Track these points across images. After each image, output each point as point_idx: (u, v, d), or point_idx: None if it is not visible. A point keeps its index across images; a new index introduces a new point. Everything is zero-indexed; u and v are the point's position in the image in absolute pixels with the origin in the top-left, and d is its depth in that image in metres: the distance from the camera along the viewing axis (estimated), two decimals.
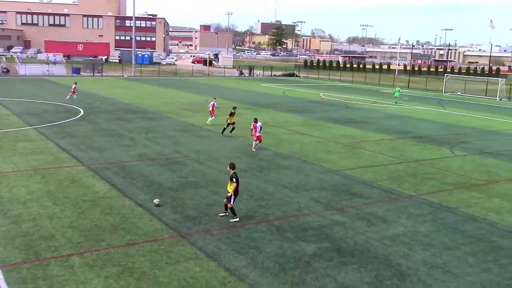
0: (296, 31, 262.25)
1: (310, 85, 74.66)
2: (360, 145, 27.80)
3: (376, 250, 13.49)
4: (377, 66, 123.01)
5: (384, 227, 15.27)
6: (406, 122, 38.11)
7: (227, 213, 15.43)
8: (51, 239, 13.30)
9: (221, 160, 23.01)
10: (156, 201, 16.44)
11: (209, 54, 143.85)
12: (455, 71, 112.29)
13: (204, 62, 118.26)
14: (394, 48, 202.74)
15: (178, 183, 19.08)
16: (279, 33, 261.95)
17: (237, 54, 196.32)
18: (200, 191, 18.14)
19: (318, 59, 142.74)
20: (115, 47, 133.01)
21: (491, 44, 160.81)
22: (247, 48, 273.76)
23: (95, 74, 77.46)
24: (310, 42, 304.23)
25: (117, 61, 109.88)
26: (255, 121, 26.04)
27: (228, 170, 15.65)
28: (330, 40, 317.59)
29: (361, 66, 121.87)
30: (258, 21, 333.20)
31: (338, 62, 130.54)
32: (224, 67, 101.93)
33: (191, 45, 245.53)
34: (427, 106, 50.83)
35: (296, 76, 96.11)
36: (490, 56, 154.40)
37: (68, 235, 13.58)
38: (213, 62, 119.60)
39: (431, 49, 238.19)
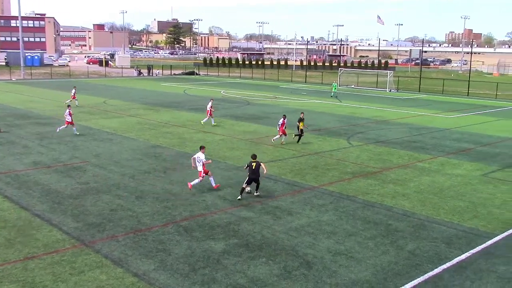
0: (193, 29, 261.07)
1: (211, 82, 74.75)
2: (263, 141, 28.30)
3: (283, 242, 13.83)
4: (275, 62, 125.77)
5: (289, 219, 15.69)
6: (306, 115, 39.24)
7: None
8: None
9: (123, 163, 22.38)
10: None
11: (104, 54, 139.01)
12: (348, 65, 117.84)
13: (100, 62, 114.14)
14: (290, 44, 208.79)
15: (78, 190, 18.28)
16: (176, 32, 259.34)
17: (135, 54, 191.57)
18: (102, 196, 17.51)
19: (218, 56, 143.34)
20: (1, 49, 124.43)
21: (379, 39, 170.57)
22: (145, 47, 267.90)
23: None
24: (208, 40, 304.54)
25: (4, 63, 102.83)
26: (284, 117, 27.30)
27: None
28: (228, 37, 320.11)
29: (259, 62, 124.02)
30: (154, 19, 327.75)
31: (237, 59, 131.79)
32: (122, 67, 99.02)
33: (85, 45, 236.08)
34: (324, 99, 52.84)
35: (196, 74, 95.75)
36: (379, 50, 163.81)
37: None
38: (109, 62, 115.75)
39: (325, 44, 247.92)
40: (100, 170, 21.17)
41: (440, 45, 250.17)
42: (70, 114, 29.15)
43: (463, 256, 13.19)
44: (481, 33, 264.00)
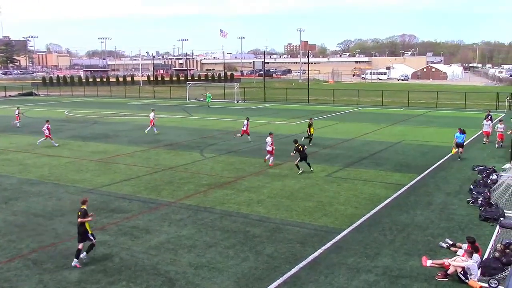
0: (29, 47, 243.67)
1: (53, 103, 70.34)
2: (114, 160, 27.34)
3: (143, 262, 13.46)
4: (121, 79, 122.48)
5: (148, 237, 15.33)
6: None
7: None
8: None
9: None
10: None
11: None
12: (195, 78, 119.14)
13: None
14: (135, 59, 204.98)
15: None
16: (9, 50, 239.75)
17: None
18: None
19: (58, 75, 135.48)
20: None
21: (224, 52, 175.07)
22: None
23: None
24: (46, 58, 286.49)
25: None
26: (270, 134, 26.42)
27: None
28: (68, 55, 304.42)
29: (104, 80, 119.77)
30: None
31: (79, 77, 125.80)
32: None
33: None
34: (174, 114, 52.71)
35: (35, 94, 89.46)
36: (224, 63, 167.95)
37: None
38: None
39: (171, 59, 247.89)
40: None
41: (280, 57, 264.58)
42: (48, 129, 31.87)
43: (316, 253, 14.03)
44: (315, 44, 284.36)
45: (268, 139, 25.64)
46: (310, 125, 32.25)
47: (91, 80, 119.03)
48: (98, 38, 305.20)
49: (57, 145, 31.83)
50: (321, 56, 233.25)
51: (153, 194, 20.25)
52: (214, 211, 17.93)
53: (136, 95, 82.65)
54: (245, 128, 32.78)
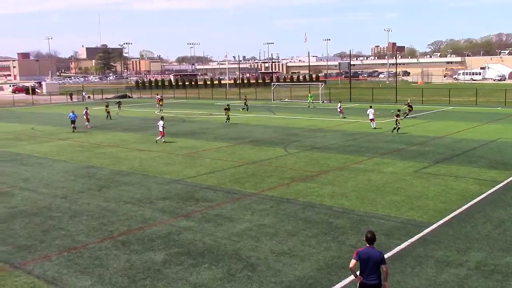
0: (124, 54, 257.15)
1: (144, 104, 73.57)
2: (200, 154, 28.00)
3: (225, 247, 13.58)
4: (208, 82, 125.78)
5: (231, 225, 15.46)
6: (242, 129, 39.43)
7: None
8: None
9: (55, 185, 21.42)
10: None
11: (35, 82, 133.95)
12: (280, 81, 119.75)
13: (26, 90, 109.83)
14: (223, 64, 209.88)
15: (6, 214, 17.24)
16: (106, 57, 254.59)
17: (63, 81, 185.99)
18: (33, 218, 16.60)
19: (150, 79, 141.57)
20: None
21: (309, 54, 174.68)
22: (74, 74, 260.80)
23: None
24: (139, 64, 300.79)
25: None
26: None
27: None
28: (160, 61, 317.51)
29: (193, 83, 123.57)
30: (83, 46, 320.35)
31: (170, 80, 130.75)
32: (50, 94, 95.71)
33: (9, 75, 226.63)
34: (259, 113, 53.21)
35: (129, 97, 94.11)
36: (309, 65, 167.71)
37: None
38: (36, 90, 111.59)
39: (257, 63, 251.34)
40: (29, 193, 20.11)
41: (366, 58, 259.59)
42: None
43: (402, 245, 13.45)
44: (404, 46, 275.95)
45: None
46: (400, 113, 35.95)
47: (180, 83, 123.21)
48: (187, 43, 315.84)
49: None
50: (409, 57, 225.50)
51: (236, 186, 20.46)
52: (296, 202, 17.77)
53: (223, 96, 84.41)
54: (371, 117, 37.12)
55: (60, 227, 15.65)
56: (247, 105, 56.20)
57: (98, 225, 15.71)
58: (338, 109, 46.56)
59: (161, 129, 32.84)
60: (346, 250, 13.20)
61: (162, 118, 34.09)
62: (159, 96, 64.36)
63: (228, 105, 46.40)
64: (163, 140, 32.59)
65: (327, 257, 12.81)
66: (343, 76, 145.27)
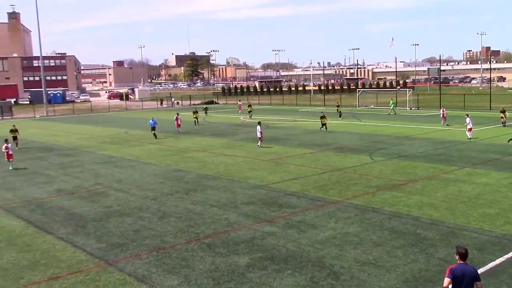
0: (211, 61, 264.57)
1: (230, 110, 75.16)
2: (284, 160, 28.11)
3: (309, 254, 13.51)
4: (293, 88, 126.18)
5: (314, 232, 15.37)
6: (326, 135, 39.12)
7: None
8: None
9: (145, 187, 22.41)
10: None
11: (128, 89, 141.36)
12: (366, 87, 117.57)
13: (120, 96, 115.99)
14: (307, 70, 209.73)
15: (101, 213, 18.28)
16: (194, 64, 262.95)
17: (154, 87, 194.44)
18: (125, 218, 17.47)
19: (235, 85, 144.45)
20: (24, 88, 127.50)
21: (396, 60, 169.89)
22: (164, 81, 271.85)
23: (4, 117, 73.58)
24: (226, 70, 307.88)
25: (28, 102, 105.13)
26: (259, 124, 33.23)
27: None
28: (245, 67, 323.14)
29: (277, 89, 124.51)
30: (172, 53, 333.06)
31: (255, 87, 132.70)
32: (142, 100, 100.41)
33: (105, 81, 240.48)
34: (344, 120, 52.54)
35: (215, 103, 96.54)
36: (396, 71, 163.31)
37: None
38: (129, 96, 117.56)
39: (342, 69, 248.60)
40: (122, 194, 21.20)
41: (458, 64, 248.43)
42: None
43: (497, 261, 12.69)
44: (499, 50, 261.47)
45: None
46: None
47: (265, 89, 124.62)
48: (272, 50, 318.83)
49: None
50: (505, 62, 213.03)
51: (320, 193, 20.31)
52: (382, 212, 17.33)
53: (307, 103, 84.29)
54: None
55: (150, 227, 16.34)
56: (340, 112, 55.86)
57: (185, 227, 16.22)
58: (441, 115, 45.01)
59: (259, 134, 33.31)
60: (435, 263, 12.67)
61: (259, 124, 34.50)
62: (241, 103, 65.93)
63: (323, 112, 45.33)
64: (259, 145, 33.08)
65: (415, 269, 12.36)
66: (432, 82, 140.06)
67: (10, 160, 28.40)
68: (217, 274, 12.32)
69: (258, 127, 33.73)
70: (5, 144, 28.49)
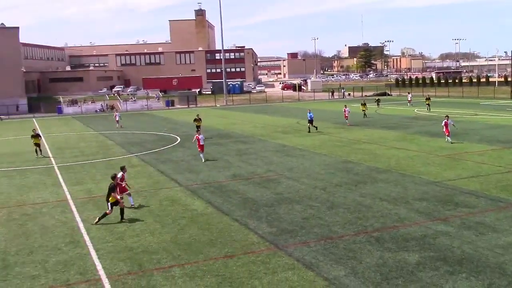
0: (384, 51, 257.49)
1: (403, 102, 72.49)
2: (461, 157, 26.32)
3: (487, 259, 12.50)
4: (474, 80, 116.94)
5: (494, 236, 14.15)
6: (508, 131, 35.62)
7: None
8: (153, 252, 13.75)
9: (315, 176, 22.78)
10: None
11: (300, 80, 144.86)
12: None
13: (293, 87, 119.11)
14: (491, 60, 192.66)
15: (273, 199, 19.08)
16: (367, 55, 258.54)
17: (326, 79, 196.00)
18: (295, 206, 18.00)
19: (410, 76, 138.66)
20: (207, 79, 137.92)
21: None
22: (336, 72, 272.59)
23: (190, 105, 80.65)
24: (400, 61, 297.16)
25: (210, 92, 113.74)
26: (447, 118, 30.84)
27: None
28: (421, 58, 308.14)
29: (456, 80, 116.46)
30: (345, 45, 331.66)
31: (431, 78, 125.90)
32: (314, 91, 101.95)
33: (280, 73, 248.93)
34: None
35: (388, 95, 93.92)
36: None
37: (169, 249, 13.97)
38: (302, 87, 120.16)
39: None
40: (293, 182, 21.84)
41: None
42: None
43: None
44: None
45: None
46: None
47: (442, 81, 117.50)
48: (452, 39, 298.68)
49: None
50: None
51: (503, 193, 18.59)
52: None
53: (491, 95, 77.62)
54: None
55: (318, 216, 16.60)
56: None
57: (354, 219, 16.14)
58: None
59: (448, 127, 31.24)
60: None
61: (447, 117, 31.93)
62: (410, 95, 66.54)
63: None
64: (447, 140, 31.12)
65: None
66: None
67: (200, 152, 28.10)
68: (385, 269, 12.06)
69: (450, 121, 31.35)
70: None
